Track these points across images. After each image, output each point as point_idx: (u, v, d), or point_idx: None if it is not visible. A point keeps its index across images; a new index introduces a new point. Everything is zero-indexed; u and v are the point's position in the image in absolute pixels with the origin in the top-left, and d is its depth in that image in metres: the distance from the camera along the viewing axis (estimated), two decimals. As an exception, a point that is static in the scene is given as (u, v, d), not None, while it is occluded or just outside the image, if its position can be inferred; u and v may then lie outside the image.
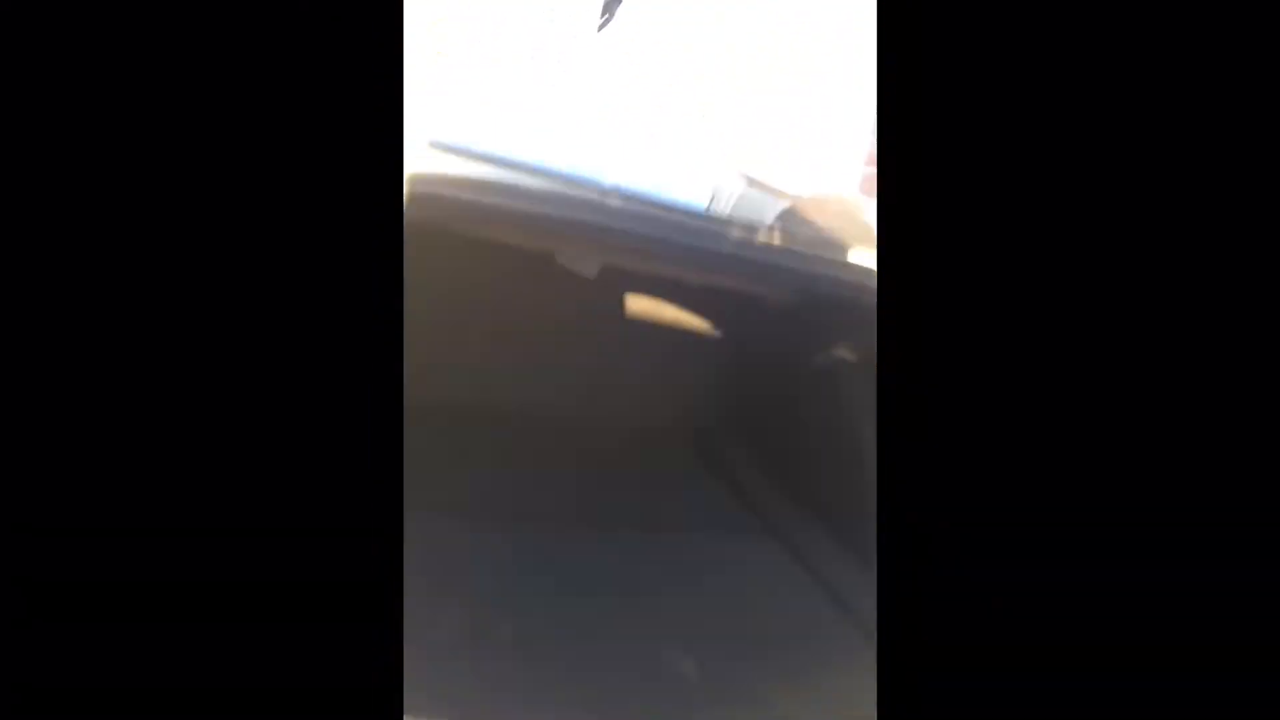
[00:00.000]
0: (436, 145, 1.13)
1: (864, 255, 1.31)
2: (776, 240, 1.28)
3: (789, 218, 1.29)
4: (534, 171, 1.18)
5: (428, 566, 1.25)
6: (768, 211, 1.28)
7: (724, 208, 1.29)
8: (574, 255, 1.86)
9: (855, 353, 1.66)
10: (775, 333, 1.88)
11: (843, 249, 1.37)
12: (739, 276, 1.70)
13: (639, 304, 2.03)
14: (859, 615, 1.30)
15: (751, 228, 1.26)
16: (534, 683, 1.05)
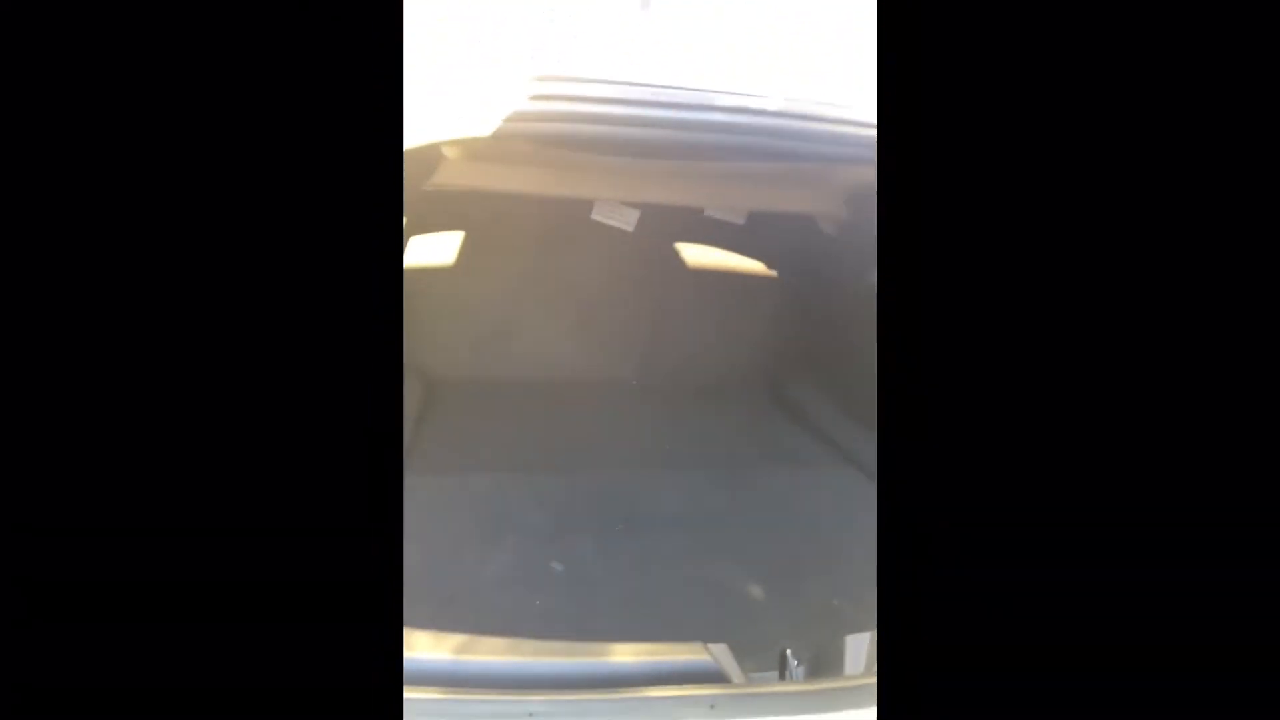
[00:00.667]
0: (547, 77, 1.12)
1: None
2: (825, 146, 1.21)
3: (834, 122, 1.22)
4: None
5: (478, 516, 1.27)
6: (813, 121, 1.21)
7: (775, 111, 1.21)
8: (610, 209, 1.82)
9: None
10: (831, 253, 1.82)
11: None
12: (788, 194, 1.63)
13: (685, 251, 1.97)
14: None
15: (801, 133, 1.20)
16: (585, 610, 1.06)
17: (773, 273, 2.01)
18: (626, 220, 1.85)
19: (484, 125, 1.10)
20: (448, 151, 1.43)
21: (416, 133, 1.08)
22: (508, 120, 1.10)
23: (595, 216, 1.83)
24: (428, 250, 1.85)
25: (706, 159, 1.40)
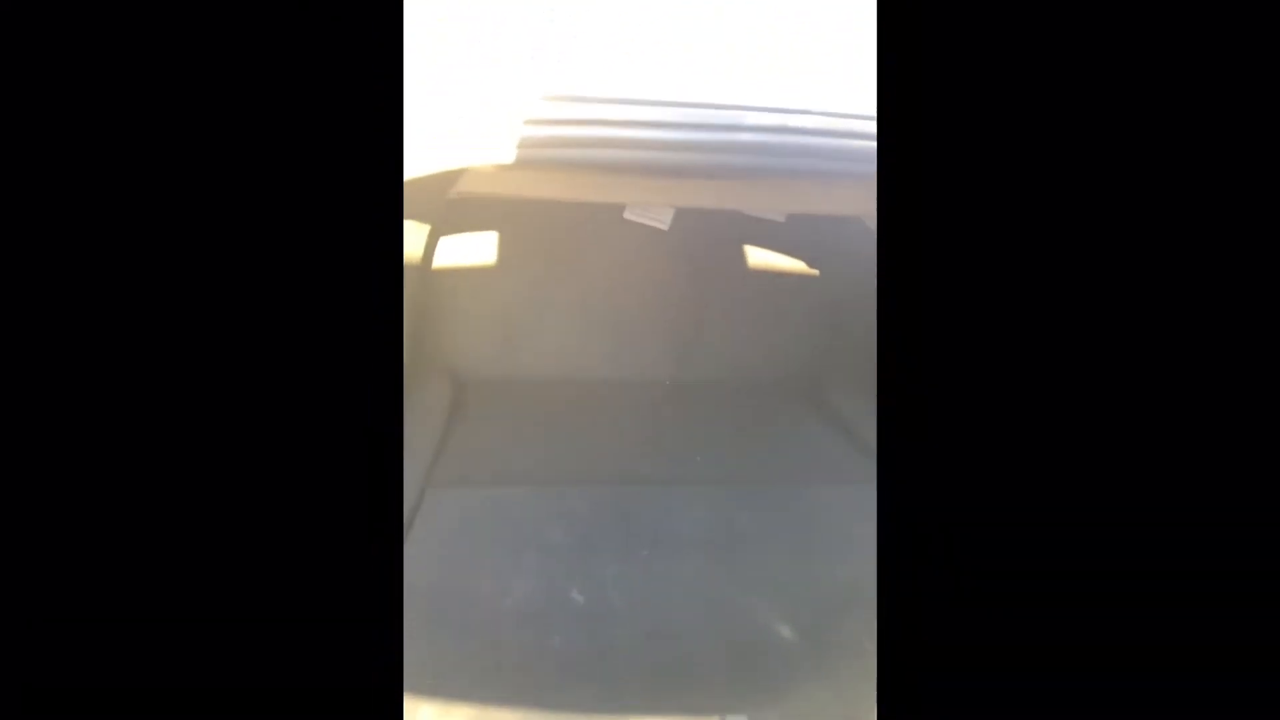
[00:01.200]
0: (554, 97, 1.07)
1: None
2: (869, 166, 1.12)
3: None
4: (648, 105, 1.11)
5: (501, 536, 1.23)
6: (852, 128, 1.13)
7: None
8: (643, 209, 1.76)
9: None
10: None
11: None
12: (831, 196, 1.57)
13: (722, 249, 1.91)
14: None
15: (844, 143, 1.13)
16: (606, 648, 1.00)
17: (814, 271, 1.93)
18: (661, 218, 1.80)
19: (509, 152, 1.07)
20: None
21: (441, 155, 1.05)
22: (534, 146, 1.07)
23: (629, 215, 1.79)
24: (457, 251, 1.81)
25: (744, 179, 1.36)
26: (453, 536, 1.24)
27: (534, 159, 1.08)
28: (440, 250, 1.79)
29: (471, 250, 1.83)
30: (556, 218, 1.79)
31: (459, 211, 1.74)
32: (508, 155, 1.07)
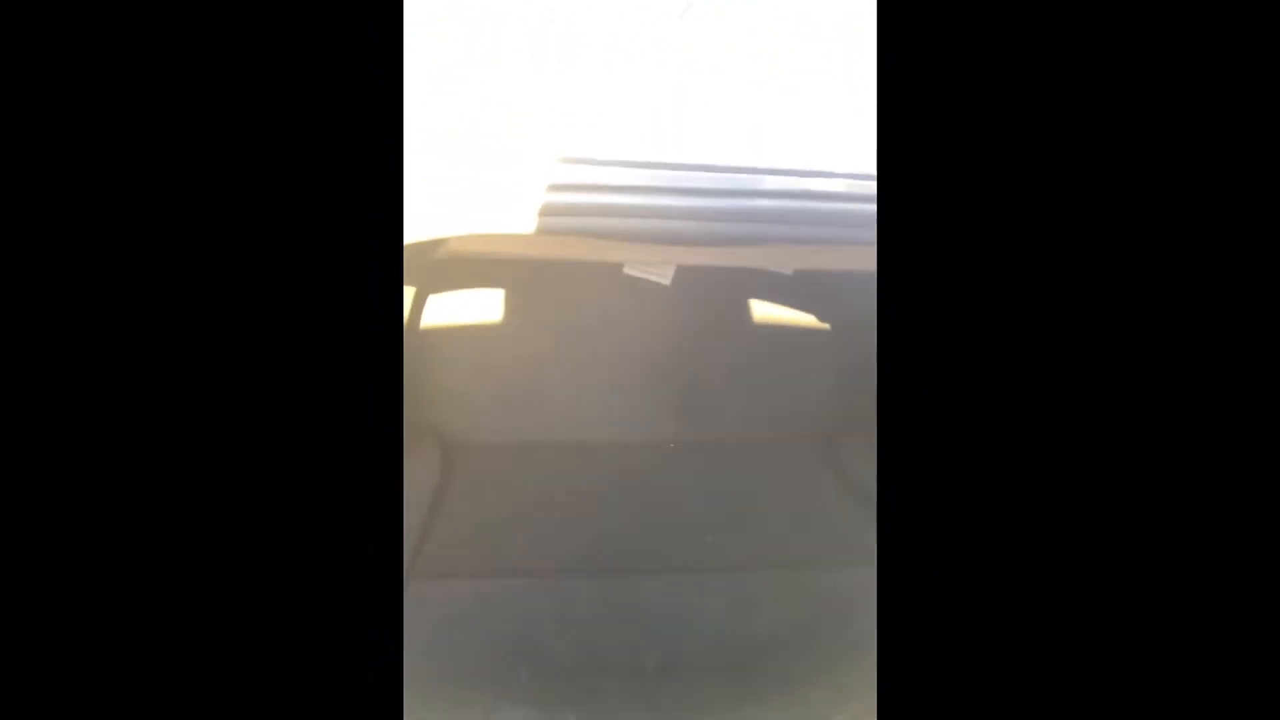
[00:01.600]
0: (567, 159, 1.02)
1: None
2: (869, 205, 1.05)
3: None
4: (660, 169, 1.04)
5: (491, 643, 1.11)
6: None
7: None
8: (644, 265, 1.70)
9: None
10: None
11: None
12: (841, 254, 1.44)
13: (727, 305, 1.82)
14: None
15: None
16: None
17: (825, 325, 1.83)
18: (662, 274, 1.73)
19: (499, 222, 1.01)
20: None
21: (423, 225, 0.98)
22: (527, 215, 1.01)
23: (629, 270, 1.72)
24: (448, 311, 1.72)
25: (751, 246, 1.30)
26: (437, 644, 1.12)
27: (539, 227, 1.04)
28: (429, 311, 1.70)
29: (463, 309, 1.74)
30: (552, 273, 1.72)
31: (448, 272, 1.67)
32: (509, 224, 1.03)
